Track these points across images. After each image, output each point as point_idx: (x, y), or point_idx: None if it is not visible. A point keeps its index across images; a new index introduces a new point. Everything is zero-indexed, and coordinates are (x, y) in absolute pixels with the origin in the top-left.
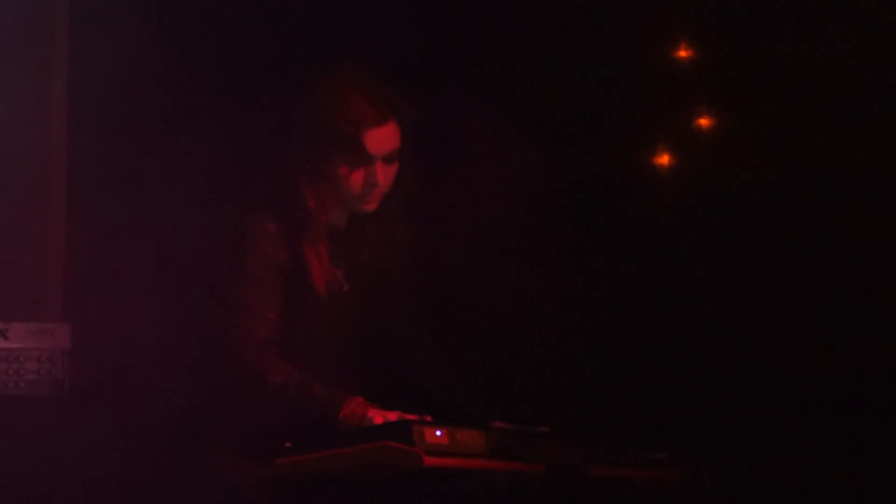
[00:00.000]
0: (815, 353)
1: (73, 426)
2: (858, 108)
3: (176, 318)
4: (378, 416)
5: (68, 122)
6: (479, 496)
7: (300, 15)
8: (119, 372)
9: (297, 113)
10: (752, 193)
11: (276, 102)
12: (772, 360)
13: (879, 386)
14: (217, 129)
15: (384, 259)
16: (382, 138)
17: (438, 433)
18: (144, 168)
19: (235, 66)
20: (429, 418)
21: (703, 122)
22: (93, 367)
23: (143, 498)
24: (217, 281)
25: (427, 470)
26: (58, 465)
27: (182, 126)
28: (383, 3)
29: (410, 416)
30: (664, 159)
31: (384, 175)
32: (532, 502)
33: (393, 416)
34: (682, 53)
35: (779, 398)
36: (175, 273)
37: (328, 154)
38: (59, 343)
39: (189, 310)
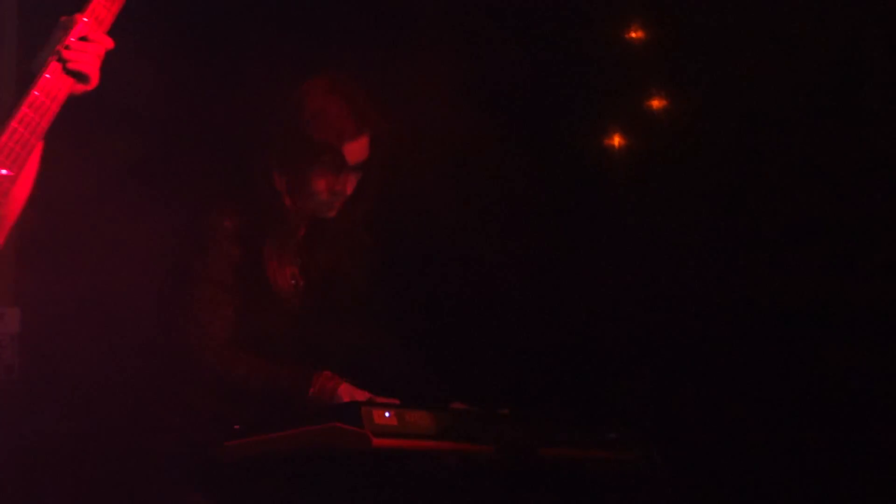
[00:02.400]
0: (773, 336)
1: (23, 411)
2: (812, 86)
3: (125, 304)
4: (346, 395)
5: None
6: (428, 477)
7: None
8: (70, 357)
9: (278, 119)
10: (704, 174)
11: (252, 105)
12: (727, 341)
13: (834, 366)
14: (178, 121)
15: (344, 264)
16: (358, 150)
17: (387, 414)
18: (101, 155)
19: (202, 60)
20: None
21: (655, 103)
22: (43, 351)
23: (93, 483)
24: (175, 276)
25: (376, 451)
26: (7, 450)
27: (142, 117)
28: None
29: (381, 399)
30: (615, 140)
31: (350, 184)
32: (482, 483)
33: (361, 396)
34: (634, 34)
35: (732, 379)
36: (125, 259)
37: (309, 162)
38: (8, 328)
39: (143, 299)
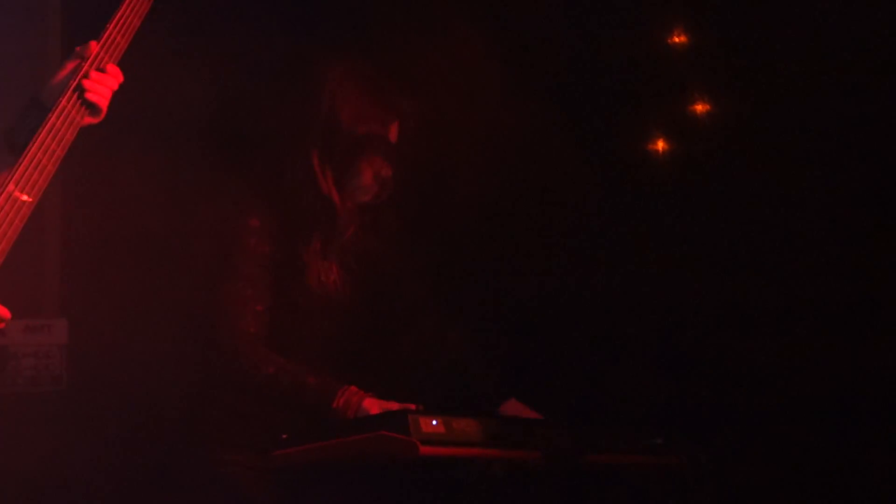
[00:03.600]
0: (811, 343)
1: (72, 421)
2: (854, 94)
3: (171, 312)
4: (374, 407)
5: None
6: (475, 484)
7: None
8: (117, 366)
9: (312, 117)
10: (748, 179)
11: (284, 100)
12: (770, 347)
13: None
14: (213, 125)
15: (375, 245)
16: (394, 134)
17: (434, 422)
18: (142, 163)
19: (235, 59)
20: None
21: (699, 108)
22: (91, 361)
23: (141, 490)
24: (206, 276)
25: (423, 459)
26: (57, 460)
27: (177, 125)
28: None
29: (411, 406)
30: (659, 146)
31: (389, 167)
32: (530, 490)
33: (391, 405)
34: (677, 39)
35: (776, 385)
36: (169, 267)
37: (357, 156)
38: (56, 339)
39: (181, 305)
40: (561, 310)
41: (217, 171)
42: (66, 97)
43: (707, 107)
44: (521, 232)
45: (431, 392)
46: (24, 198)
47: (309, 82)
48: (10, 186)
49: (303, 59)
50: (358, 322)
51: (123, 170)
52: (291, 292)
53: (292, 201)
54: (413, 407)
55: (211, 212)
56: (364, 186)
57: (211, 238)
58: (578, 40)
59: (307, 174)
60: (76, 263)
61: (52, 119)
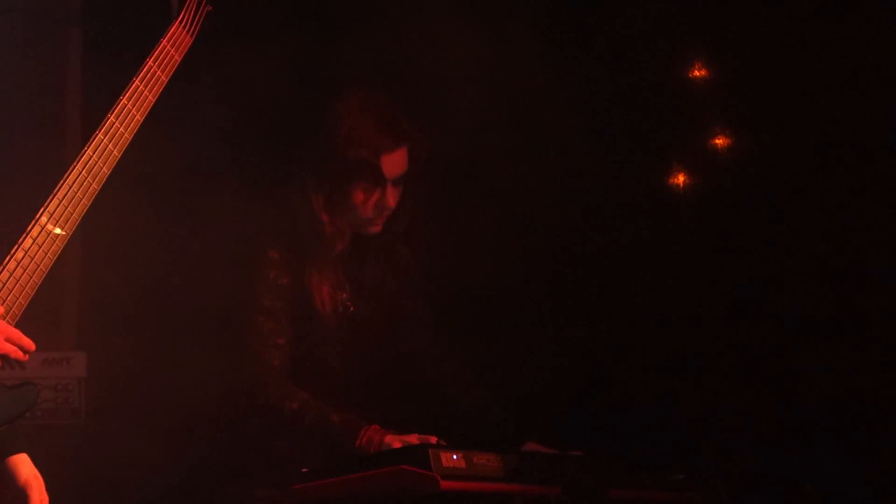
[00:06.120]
0: (835, 376)
1: (90, 454)
2: (875, 127)
3: (190, 345)
4: (396, 441)
5: None
6: None
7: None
8: (135, 400)
9: (313, 141)
10: (766, 211)
11: (290, 131)
12: (793, 382)
13: None
14: (229, 161)
15: (387, 281)
16: (395, 162)
17: (455, 457)
18: (158, 198)
19: (243, 101)
20: (436, 440)
21: (719, 141)
22: (109, 395)
23: None
24: (227, 309)
25: (444, 494)
26: (75, 494)
27: (193, 163)
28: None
29: (431, 438)
30: (679, 179)
31: (393, 198)
32: None
33: (411, 439)
34: (698, 73)
35: (802, 421)
36: (188, 301)
37: (347, 180)
38: (75, 371)
39: (200, 338)
40: (579, 344)
41: (239, 203)
42: (102, 130)
43: (728, 140)
44: (538, 267)
45: (452, 426)
46: (59, 231)
47: (320, 112)
48: (44, 219)
49: (314, 90)
50: (361, 353)
51: (141, 203)
52: (308, 320)
53: (292, 228)
54: (434, 441)
55: (232, 244)
56: (357, 211)
57: (232, 270)
58: (600, 75)
59: (302, 199)
60: (94, 296)
61: (89, 152)
